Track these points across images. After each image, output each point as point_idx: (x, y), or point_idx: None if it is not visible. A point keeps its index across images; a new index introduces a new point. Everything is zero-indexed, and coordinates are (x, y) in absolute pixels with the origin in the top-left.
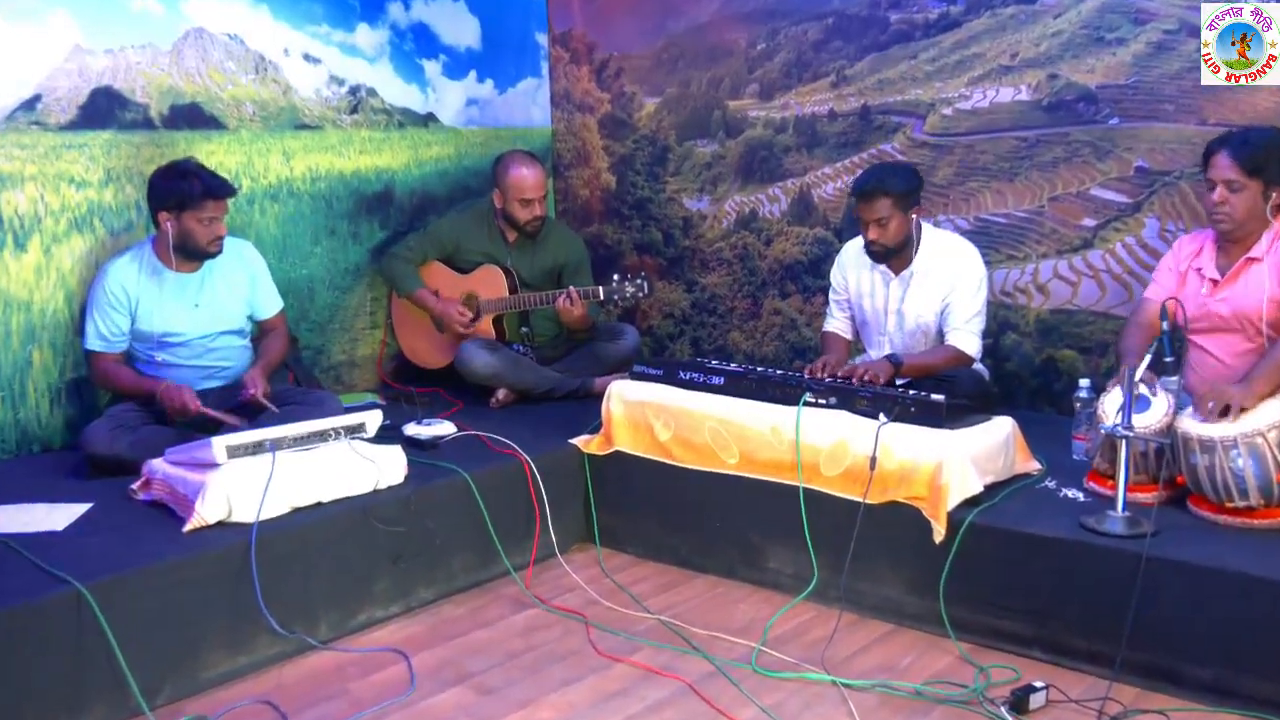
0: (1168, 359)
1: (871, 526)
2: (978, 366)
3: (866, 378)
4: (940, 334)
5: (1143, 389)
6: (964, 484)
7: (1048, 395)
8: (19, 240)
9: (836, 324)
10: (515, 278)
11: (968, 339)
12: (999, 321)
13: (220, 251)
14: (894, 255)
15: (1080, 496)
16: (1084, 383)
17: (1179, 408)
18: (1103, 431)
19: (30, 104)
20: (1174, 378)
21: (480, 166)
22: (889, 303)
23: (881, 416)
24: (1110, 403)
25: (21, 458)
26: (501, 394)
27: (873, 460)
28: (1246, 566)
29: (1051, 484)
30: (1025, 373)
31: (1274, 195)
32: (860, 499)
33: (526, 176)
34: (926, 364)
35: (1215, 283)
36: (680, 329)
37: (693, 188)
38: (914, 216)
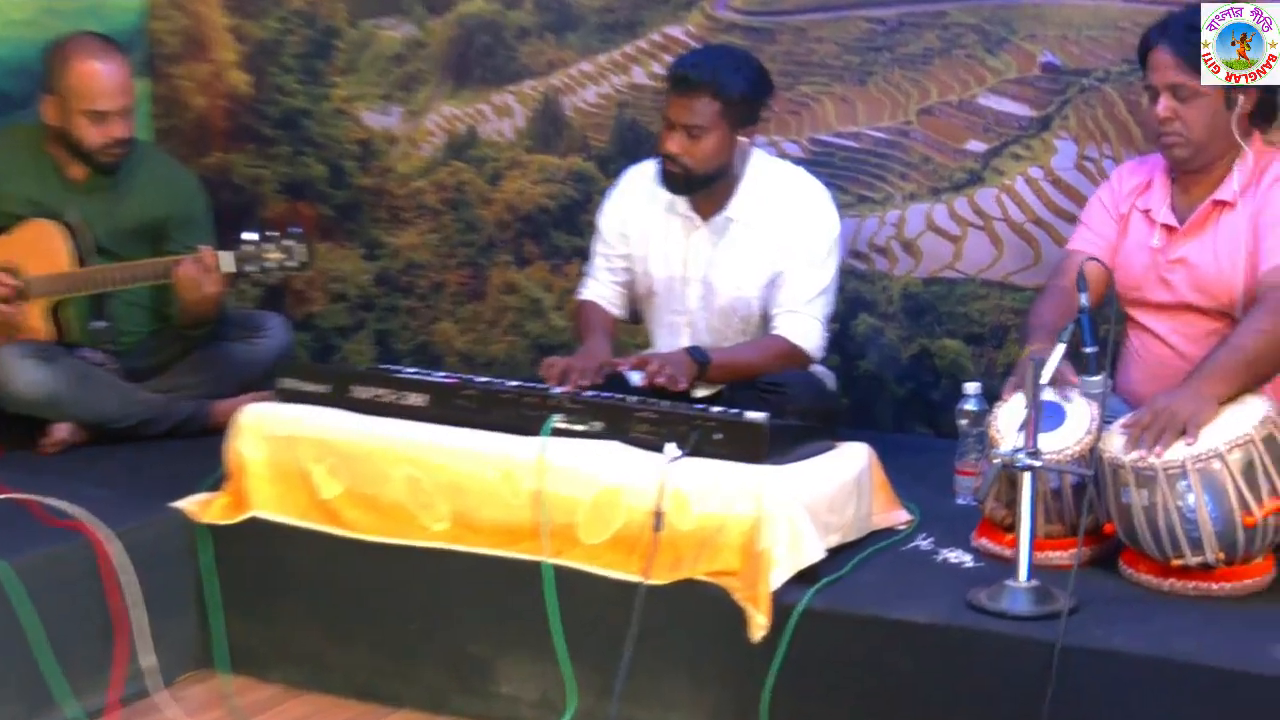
0: (1088, 349)
1: (658, 620)
2: (819, 369)
3: (657, 380)
4: (766, 318)
5: (1054, 395)
6: (796, 549)
7: (920, 408)
8: None
9: (600, 290)
10: (83, 239)
11: (806, 327)
12: (849, 298)
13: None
14: (700, 187)
15: (967, 560)
16: (971, 389)
17: (1108, 421)
18: (997, 462)
19: None
20: (1098, 377)
21: (22, 60)
22: (690, 264)
23: (672, 448)
24: (1007, 418)
25: None
26: (62, 430)
27: (658, 518)
28: (1200, 654)
29: (926, 543)
30: (888, 375)
31: (1239, 101)
32: (639, 578)
33: (100, 74)
34: (744, 363)
35: (1171, 232)
36: (358, 318)
37: (375, 94)
38: (744, 140)
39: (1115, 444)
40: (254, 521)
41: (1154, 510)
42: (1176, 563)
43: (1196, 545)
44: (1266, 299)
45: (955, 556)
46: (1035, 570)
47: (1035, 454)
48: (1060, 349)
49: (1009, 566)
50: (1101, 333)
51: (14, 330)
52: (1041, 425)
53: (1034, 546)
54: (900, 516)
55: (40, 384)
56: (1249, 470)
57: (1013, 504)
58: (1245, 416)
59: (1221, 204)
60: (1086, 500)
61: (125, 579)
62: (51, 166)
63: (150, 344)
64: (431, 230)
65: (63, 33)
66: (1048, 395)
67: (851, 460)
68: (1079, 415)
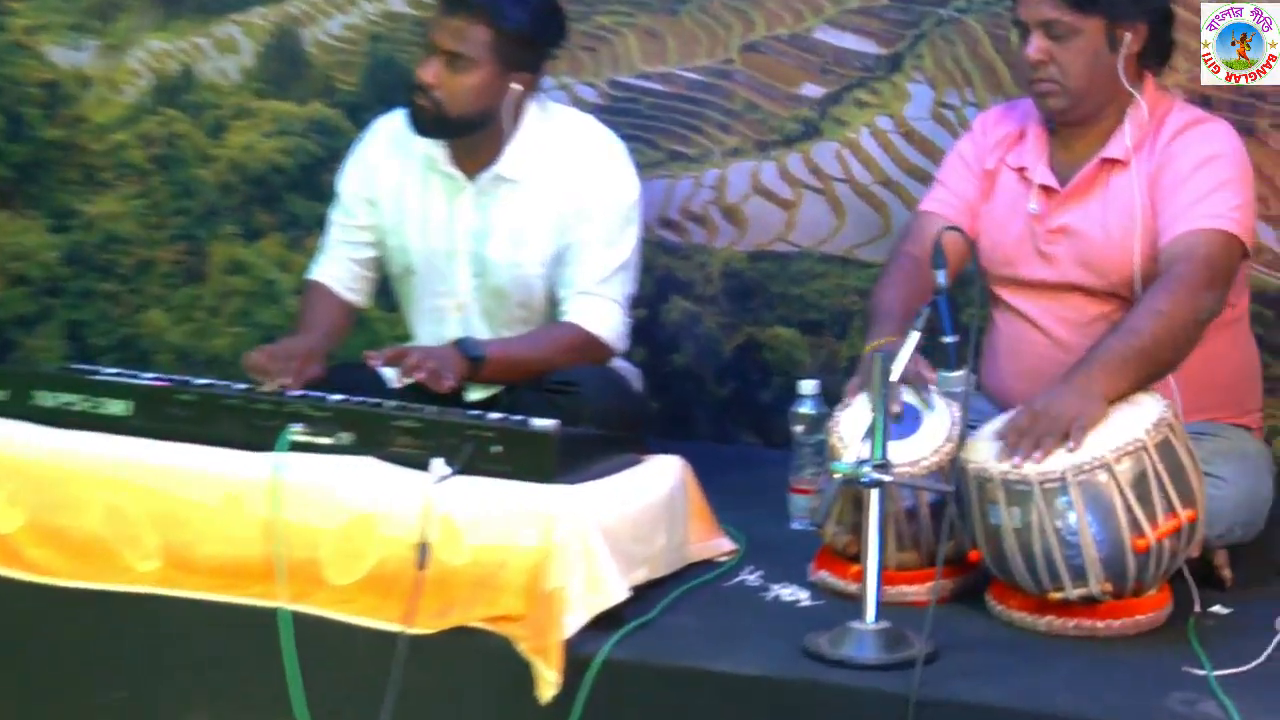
0: (948, 338)
1: (424, 678)
2: (621, 364)
3: (418, 379)
4: (553, 301)
5: (907, 395)
6: (594, 588)
7: (747, 413)
8: None
9: (333, 270)
10: None
11: (602, 311)
12: (658, 278)
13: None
14: (453, 133)
15: (804, 597)
16: (808, 388)
17: (972, 425)
18: (839, 477)
19: None
20: (959, 372)
21: None
22: (457, 234)
23: (439, 465)
24: (851, 423)
25: None
26: None
27: (422, 551)
28: (1084, 707)
29: (754, 577)
30: (706, 372)
31: (1125, 38)
32: (400, 627)
33: None
34: (527, 357)
35: (1051, 195)
36: (43, 306)
37: (61, 23)
38: (516, 88)
39: (982, 453)
40: None
41: (1028, 533)
42: (1055, 596)
43: (1079, 574)
44: (1168, 276)
45: (789, 593)
46: (886, 609)
47: (884, 466)
48: (913, 339)
49: (854, 605)
50: (964, 318)
51: None
52: (892, 432)
53: (884, 580)
54: (722, 545)
55: None
56: (1141, 483)
57: (858, 528)
58: (1137, 419)
59: (1111, 162)
60: (947, 522)
61: None
62: None
63: None
64: (137, 195)
65: None
66: (902, 397)
67: (662, 477)
68: (937, 419)
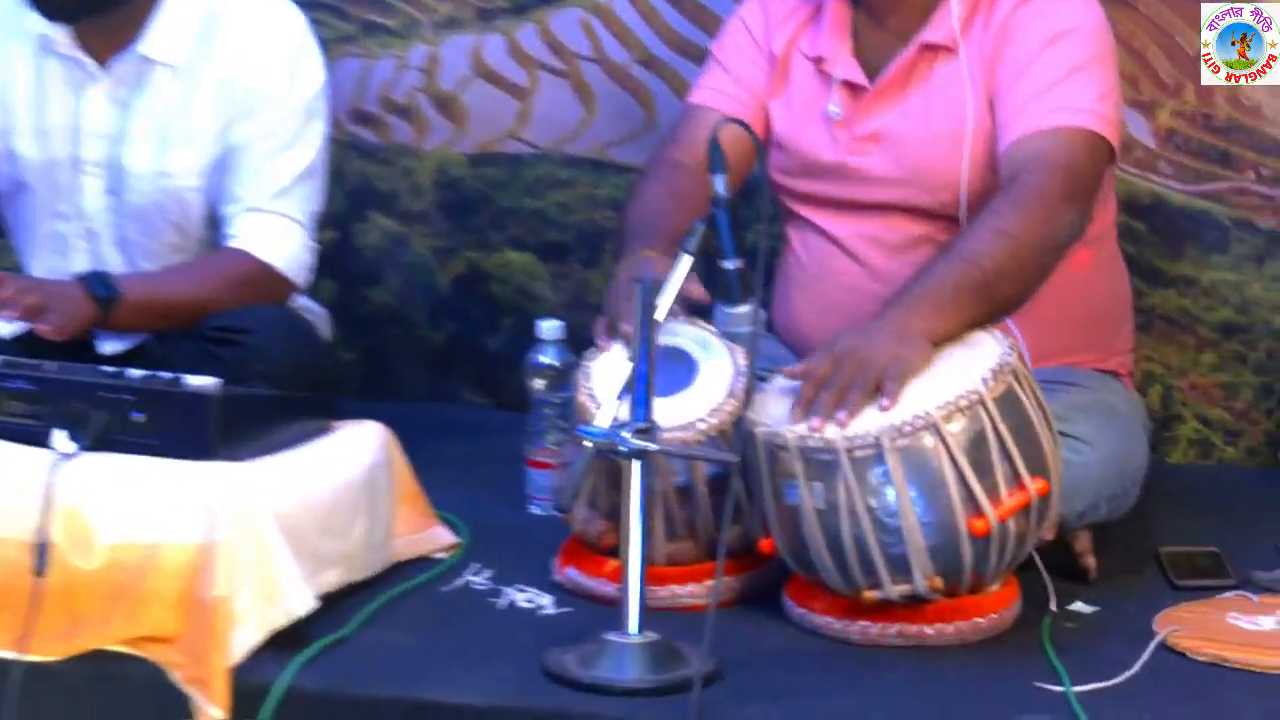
0: (729, 264)
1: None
2: (304, 303)
3: (9, 316)
4: (215, 221)
5: (677, 338)
6: (270, 596)
7: (468, 363)
8: None
9: None
10: None
11: (278, 234)
12: (351, 189)
13: None
14: (94, 8)
15: (546, 603)
16: (549, 331)
17: (762, 376)
18: (589, 445)
19: None
20: (744, 308)
21: None
22: (84, 138)
23: (61, 439)
24: (605, 376)
25: None
26: None
27: (40, 554)
28: None
29: (481, 577)
30: (415, 311)
31: None
32: (13, 653)
33: None
34: (178, 296)
35: (858, 94)
36: None
37: None
38: None
39: (774, 412)
40: None
41: (834, 515)
42: (871, 595)
43: (900, 567)
44: (1014, 188)
45: (528, 598)
46: (653, 616)
47: (649, 431)
48: (684, 264)
49: (612, 611)
50: (750, 238)
51: None
52: (658, 386)
53: (651, 578)
54: (440, 538)
55: None
56: (978, 448)
57: (616, 512)
58: (972, 366)
59: (933, 49)
60: (730, 503)
61: None
62: None
63: None
64: None
65: None
66: (667, 339)
67: (358, 451)
68: (716, 369)
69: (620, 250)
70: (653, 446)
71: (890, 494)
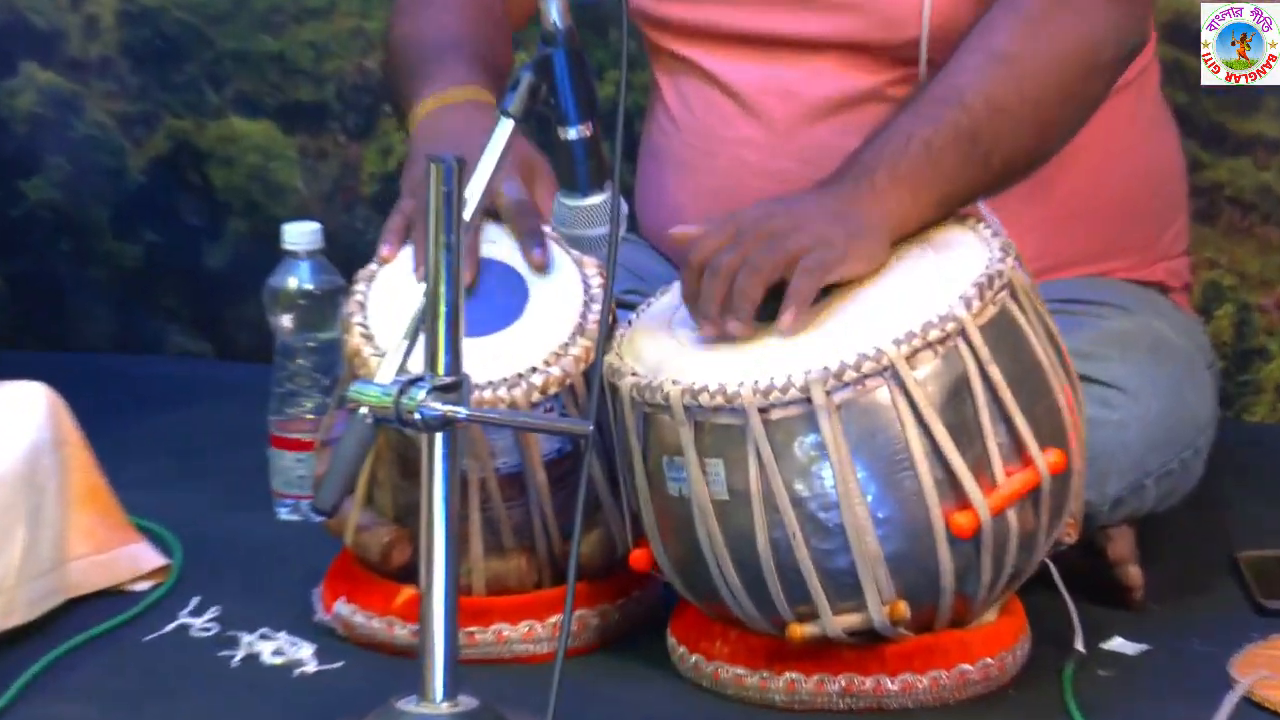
0: (573, 132)
1: None
2: None
3: None
4: None
5: (502, 244)
6: None
7: (171, 289)
8: None
9: None
10: None
11: None
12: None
13: None
14: None
15: (304, 656)
16: (297, 234)
17: (626, 301)
18: (364, 413)
19: None
20: (596, 199)
21: None
22: None
23: None
24: (385, 303)
25: None
26: None
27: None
28: None
29: (203, 619)
30: (93, 213)
31: None
32: None
33: None
34: None
35: None
36: None
37: None
38: None
39: (648, 354)
40: None
41: (743, 508)
42: (801, 631)
43: (844, 587)
44: (1018, 7)
45: (276, 648)
46: (471, 672)
47: (456, 389)
48: (504, 131)
49: (409, 665)
50: (603, 94)
51: None
52: (473, 320)
53: (465, 614)
54: (139, 559)
55: None
56: (958, 402)
57: (411, 513)
58: (948, 275)
59: None
60: (582, 495)
61: None
62: None
63: None
64: None
65: None
66: (485, 249)
67: (8, 428)
68: (558, 293)
69: (399, 94)
70: (463, 412)
71: (827, 475)
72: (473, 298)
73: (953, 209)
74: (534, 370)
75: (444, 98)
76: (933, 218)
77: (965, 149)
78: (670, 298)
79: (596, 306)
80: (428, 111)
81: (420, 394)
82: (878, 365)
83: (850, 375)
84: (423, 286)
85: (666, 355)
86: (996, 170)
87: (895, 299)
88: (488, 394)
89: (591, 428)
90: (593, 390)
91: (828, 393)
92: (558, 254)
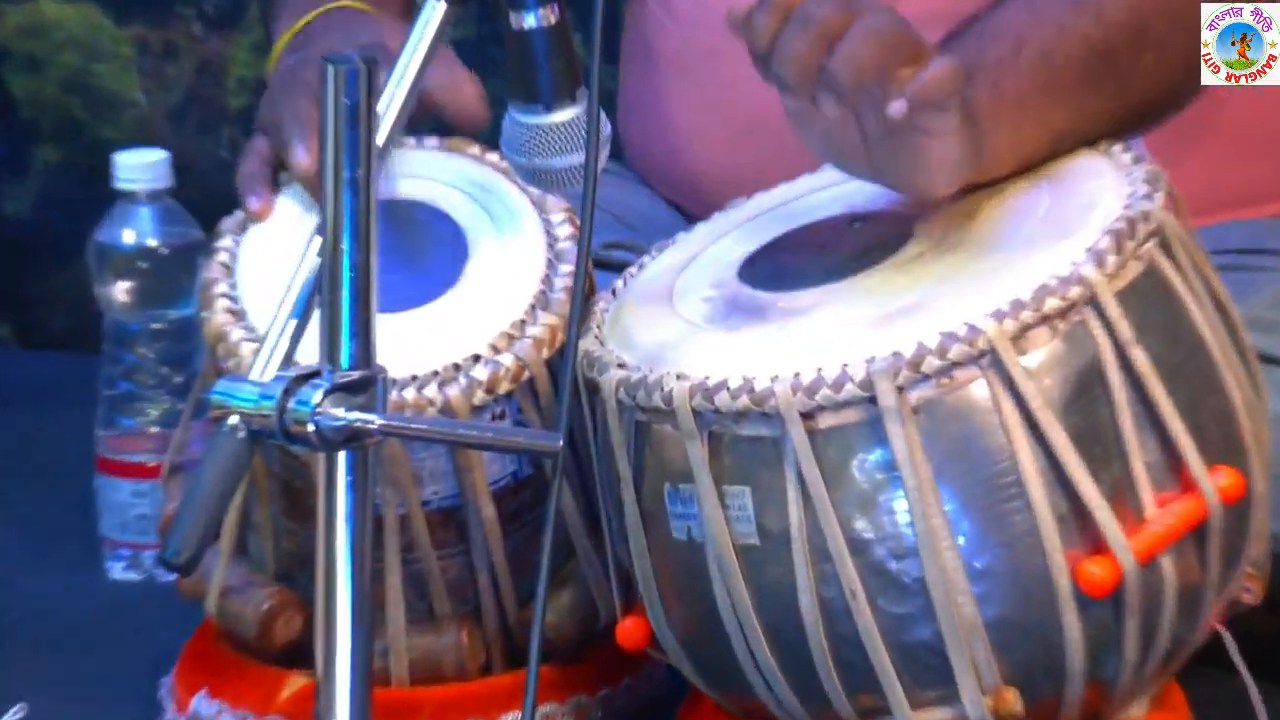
0: (531, 20)
1: None
2: None
3: None
4: None
5: (431, 180)
6: None
7: None
8: None
9: None
10: None
11: None
12: None
13: None
14: None
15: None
16: (135, 165)
17: (612, 264)
18: (233, 423)
19: None
20: (566, 113)
21: None
22: None
23: None
24: (260, 265)
25: None
26: None
27: None
28: None
29: None
30: None
31: None
32: None
33: None
34: None
35: None
36: None
37: None
38: None
39: (643, 334)
40: None
41: (779, 556)
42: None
43: (928, 669)
44: None
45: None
46: None
47: (364, 388)
48: (436, 19)
49: None
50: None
51: None
52: (389, 289)
53: (381, 710)
54: None
55: None
56: (1087, 401)
57: (300, 567)
58: (1072, 221)
59: None
60: (548, 539)
61: None
62: None
63: None
64: None
65: None
66: (404, 185)
67: None
68: (509, 248)
69: (270, 15)
70: (377, 422)
71: (900, 508)
72: (391, 257)
73: (1079, 139)
74: (477, 360)
75: (308, 17)
76: (1049, 147)
77: (1096, 70)
78: (675, 254)
79: (566, 268)
80: (293, 34)
81: (315, 396)
82: (971, 350)
83: (932, 364)
84: (317, 241)
85: (669, 338)
86: (1133, 105)
87: (996, 254)
88: (411, 394)
89: (562, 443)
90: (562, 388)
91: (900, 389)
92: (510, 192)
